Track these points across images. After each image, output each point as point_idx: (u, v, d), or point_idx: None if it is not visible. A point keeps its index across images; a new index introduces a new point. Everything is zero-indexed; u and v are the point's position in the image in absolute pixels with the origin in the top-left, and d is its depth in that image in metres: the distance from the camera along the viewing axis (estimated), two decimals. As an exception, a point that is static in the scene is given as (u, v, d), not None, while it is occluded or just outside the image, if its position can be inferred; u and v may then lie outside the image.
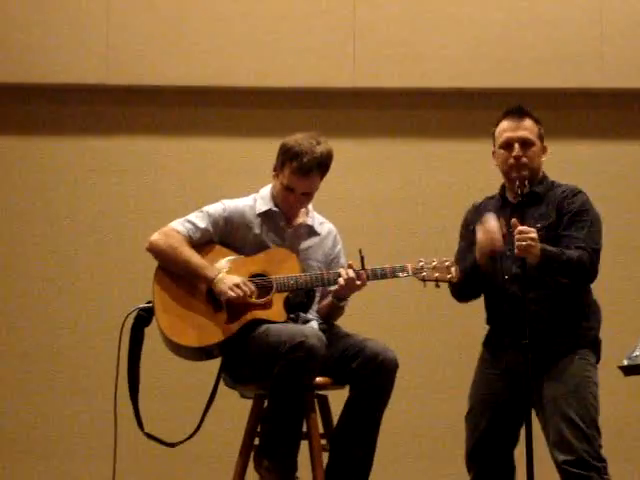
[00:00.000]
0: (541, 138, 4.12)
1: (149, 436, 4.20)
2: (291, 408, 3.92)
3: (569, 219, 4.03)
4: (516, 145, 4.05)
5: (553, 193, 4.10)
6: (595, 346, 4.08)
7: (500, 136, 4.10)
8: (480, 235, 4.01)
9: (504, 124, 4.11)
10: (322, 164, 4.10)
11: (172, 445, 4.21)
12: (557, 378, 3.95)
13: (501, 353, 4.06)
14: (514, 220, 3.89)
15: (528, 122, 4.10)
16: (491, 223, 3.99)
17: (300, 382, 3.89)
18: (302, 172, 4.07)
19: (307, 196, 4.16)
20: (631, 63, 5.79)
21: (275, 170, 4.18)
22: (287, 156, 4.09)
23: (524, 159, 4.05)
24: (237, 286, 4.00)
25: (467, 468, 4.11)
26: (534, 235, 3.85)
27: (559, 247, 3.94)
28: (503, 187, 4.19)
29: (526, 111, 4.13)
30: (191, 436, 4.18)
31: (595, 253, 4.00)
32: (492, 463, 4.04)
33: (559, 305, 4.00)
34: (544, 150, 4.14)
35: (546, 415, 3.95)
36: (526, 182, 3.97)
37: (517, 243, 3.83)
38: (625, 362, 4.21)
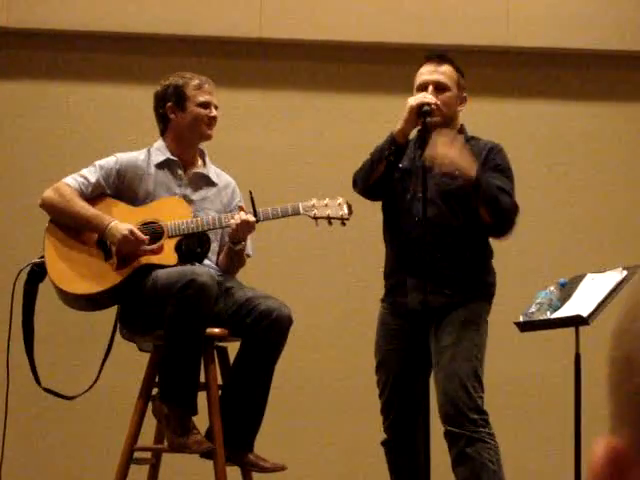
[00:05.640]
0: (460, 87, 4.09)
1: (47, 390, 4.18)
2: (187, 349, 3.92)
3: (496, 171, 4.02)
4: (430, 87, 4.01)
5: (475, 144, 4.09)
6: (490, 301, 4.13)
7: (417, 79, 4.10)
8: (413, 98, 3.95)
9: (422, 68, 4.11)
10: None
11: (70, 398, 4.19)
12: (447, 329, 3.98)
13: (402, 299, 4.05)
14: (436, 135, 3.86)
15: (447, 68, 4.08)
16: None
17: (194, 321, 3.89)
18: (205, 85, 4.19)
19: (216, 110, 4.21)
20: (536, 22, 5.83)
21: (173, 110, 4.17)
22: (180, 86, 4.17)
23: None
24: (126, 237, 3.97)
25: (383, 419, 4.14)
26: (454, 152, 3.85)
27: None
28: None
29: (447, 58, 4.12)
30: (89, 388, 4.16)
31: (517, 207, 4.02)
32: (404, 412, 4.07)
33: (462, 254, 4.03)
34: (462, 100, 4.12)
35: (434, 367, 4.00)
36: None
37: (440, 162, 3.84)
38: (521, 318, 4.27)
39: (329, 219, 4.11)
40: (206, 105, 4.17)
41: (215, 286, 3.91)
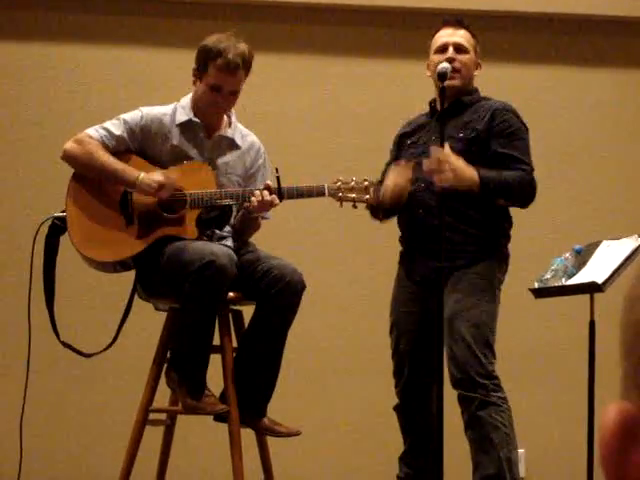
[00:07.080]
0: (476, 51, 4.16)
1: (65, 345, 4.18)
2: (200, 325, 3.93)
3: (504, 136, 4.04)
4: (450, 48, 4.09)
5: (483, 104, 4.12)
6: (503, 263, 4.13)
7: (436, 42, 4.15)
8: (390, 177, 3.99)
9: (441, 32, 4.17)
10: (246, 61, 4.00)
11: (88, 355, 4.20)
12: (456, 296, 3.99)
13: (414, 265, 4.09)
14: (433, 148, 3.88)
15: (465, 32, 4.16)
16: (405, 170, 3.97)
17: (209, 301, 3.89)
18: (229, 69, 3.96)
19: (234, 95, 4.03)
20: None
21: (195, 75, 4.05)
22: (210, 55, 3.98)
23: (457, 63, 4.07)
24: (162, 185, 3.94)
25: (395, 382, 4.17)
26: (455, 163, 3.84)
27: (495, 167, 3.96)
28: (434, 99, 4.19)
29: (464, 23, 4.19)
30: (107, 347, 4.18)
31: (532, 172, 4.04)
32: (416, 375, 4.10)
33: (472, 219, 4.04)
34: (478, 65, 4.18)
35: (444, 333, 4.00)
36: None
37: (437, 176, 3.83)
38: (536, 285, 4.27)
39: (354, 202, 4.05)
40: (217, 89, 3.99)
41: (233, 267, 3.89)
